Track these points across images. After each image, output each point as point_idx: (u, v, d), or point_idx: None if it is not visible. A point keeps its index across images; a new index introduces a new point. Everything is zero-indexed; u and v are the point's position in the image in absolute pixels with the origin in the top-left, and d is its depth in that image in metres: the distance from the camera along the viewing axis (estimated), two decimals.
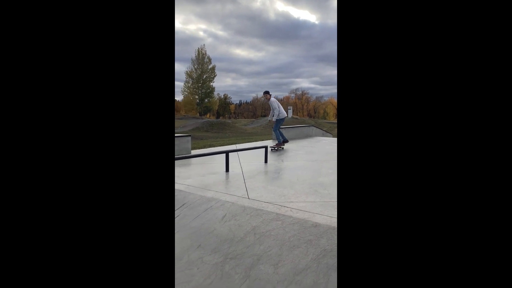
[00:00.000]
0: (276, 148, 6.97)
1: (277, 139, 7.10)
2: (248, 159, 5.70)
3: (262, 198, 3.11)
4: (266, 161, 5.39)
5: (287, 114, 7.27)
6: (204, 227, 2.64)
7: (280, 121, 7.06)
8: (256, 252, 2.19)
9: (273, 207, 2.80)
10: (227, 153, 4.69)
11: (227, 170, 4.58)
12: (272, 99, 7.02)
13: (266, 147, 5.52)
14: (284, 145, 7.16)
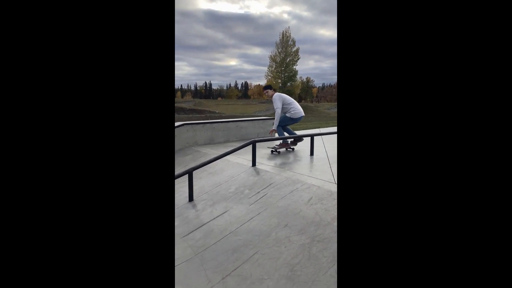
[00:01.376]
0: (276, 150, 4.87)
1: (282, 138, 4.87)
2: (333, 143, 5.52)
3: None
4: None
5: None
6: (291, 207, 2.69)
7: (294, 120, 5.00)
8: None
9: None
10: (312, 136, 4.63)
11: (311, 154, 4.53)
12: (278, 94, 5.01)
13: None
14: (293, 146, 5.12)
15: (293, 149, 5.08)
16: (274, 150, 4.88)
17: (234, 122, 6.64)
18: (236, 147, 3.96)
